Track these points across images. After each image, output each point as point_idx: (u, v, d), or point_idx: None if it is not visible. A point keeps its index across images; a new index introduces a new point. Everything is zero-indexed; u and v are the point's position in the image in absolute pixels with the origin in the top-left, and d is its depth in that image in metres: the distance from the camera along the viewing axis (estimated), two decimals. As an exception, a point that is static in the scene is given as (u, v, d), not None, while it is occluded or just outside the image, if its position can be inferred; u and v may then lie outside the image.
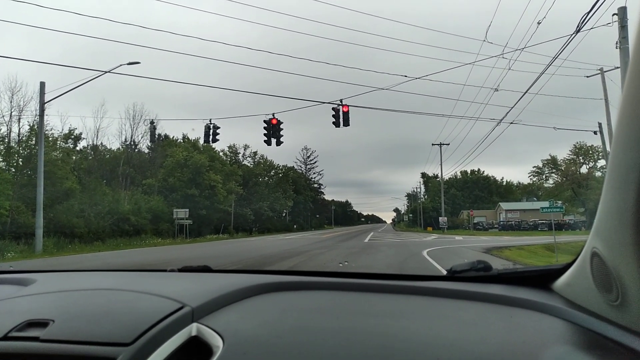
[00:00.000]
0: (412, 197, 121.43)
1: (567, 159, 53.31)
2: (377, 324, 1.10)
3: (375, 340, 0.99)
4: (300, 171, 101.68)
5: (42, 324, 1.04)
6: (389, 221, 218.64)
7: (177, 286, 1.42)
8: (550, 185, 56.09)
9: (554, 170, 55.28)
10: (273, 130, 21.23)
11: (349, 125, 20.34)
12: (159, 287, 1.35)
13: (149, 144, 50.95)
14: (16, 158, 31.11)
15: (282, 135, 21.49)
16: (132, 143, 48.43)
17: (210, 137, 23.28)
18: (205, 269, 1.90)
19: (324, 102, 22.01)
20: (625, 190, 0.82)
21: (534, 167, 58.66)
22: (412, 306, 1.29)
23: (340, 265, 13.48)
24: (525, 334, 1.03)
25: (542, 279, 1.39)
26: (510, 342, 0.98)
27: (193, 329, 1.06)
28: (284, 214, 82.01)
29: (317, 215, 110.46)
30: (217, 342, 0.99)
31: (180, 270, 1.86)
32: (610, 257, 0.93)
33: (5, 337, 1.00)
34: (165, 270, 1.87)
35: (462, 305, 1.26)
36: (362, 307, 1.28)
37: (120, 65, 21.84)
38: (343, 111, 20.26)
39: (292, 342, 0.99)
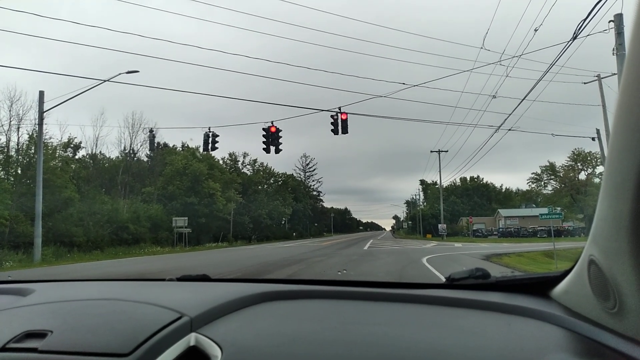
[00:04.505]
0: (411, 204, 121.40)
1: (566, 166, 53.30)
2: (376, 333, 1.10)
3: (374, 349, 0.99)
4: (299, 179, 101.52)
5: (40, 334, 1.04)
6: (388, 228, 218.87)
7: (176, 295, 1.42)
8: (549, 192, 56.10)
9: (552, 177, 55.28)
10: (272, 138, 21.24)
11: (347, 132, 20.36)
12: (157, 297, 1.35)
13: (148, 153, 51.04)
14: (15, 167, 31.08)
15: (281, 143, 21.49)
16: (131, 151, 48.47)
17: (209, 145, 23.29)
18: (204, 278, 1.90)
19: (323, 110, 22.05)
20: (621, 198, 0.82)
21: (533, 173, 58.76)
22: (411, 314, 1.29)
23: (339, 273, 13.42)
24: (523, 341, 1.03)
25: (540, 286, 1.39)
26: (509, 350, 0.98)
27: (191, 338, 1.06)
28: (283, 222, 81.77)
29: (316, 223, 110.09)
30: (215, 352, 0.98)
31: (179, 279, 1.86)
32: (607, 265, 0.93)
33: (4, 349, 0.99)
34: (164, 280, 1.86)
35: (460, 313, 1.26)
36: (361, 316, 1.28)
37: (119, 74, 21.89)
38: (342, 119, 20.28)
39: (291, 351, 0.99)
